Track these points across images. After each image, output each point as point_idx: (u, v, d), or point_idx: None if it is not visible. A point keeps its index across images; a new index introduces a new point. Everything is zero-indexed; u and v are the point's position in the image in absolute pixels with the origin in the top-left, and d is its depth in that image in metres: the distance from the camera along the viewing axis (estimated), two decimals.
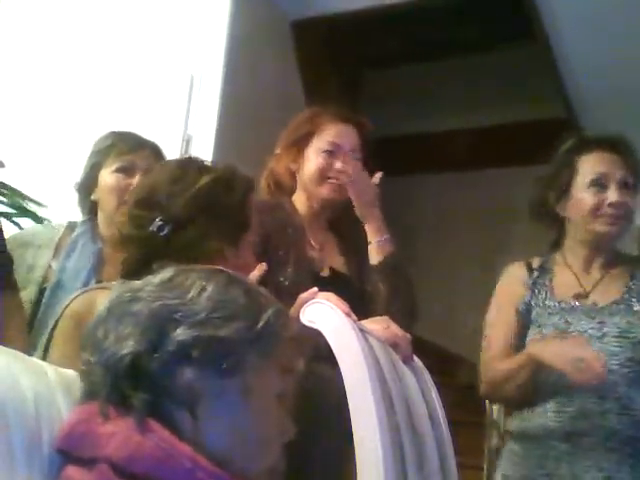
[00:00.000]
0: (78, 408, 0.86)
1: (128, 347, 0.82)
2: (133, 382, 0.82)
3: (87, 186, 1.90)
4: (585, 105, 3.31)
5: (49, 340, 1.29)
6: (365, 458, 1.08)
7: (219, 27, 2.76)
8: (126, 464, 0.79)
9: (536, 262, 1.86)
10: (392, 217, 1.85)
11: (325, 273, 1.82)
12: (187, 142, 2.48)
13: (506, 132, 4.29)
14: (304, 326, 1.26)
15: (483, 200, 4.19)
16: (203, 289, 0.86)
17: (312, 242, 1.86)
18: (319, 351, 1.31)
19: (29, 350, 1.31)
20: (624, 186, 1.75)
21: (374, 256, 1.80)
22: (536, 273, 1.84)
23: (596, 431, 1.62)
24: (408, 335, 1.40)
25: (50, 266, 1.82)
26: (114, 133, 1.96)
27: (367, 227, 1.82)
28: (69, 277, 1.80)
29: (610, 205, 1.72)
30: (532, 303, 1.79)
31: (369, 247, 1.81)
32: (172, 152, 2.44)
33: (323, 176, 1.87)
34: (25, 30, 2.95)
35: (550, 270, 1.83)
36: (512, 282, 1.85)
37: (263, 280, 1.41)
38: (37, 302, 1.76)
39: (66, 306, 1.31)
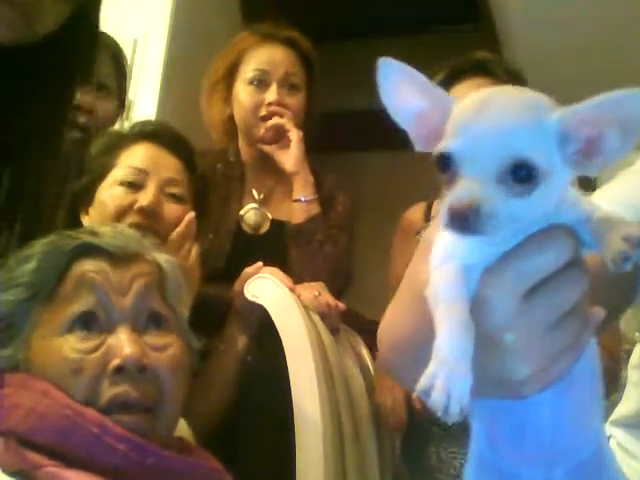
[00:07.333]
0: None
1: None
2: None
3: None
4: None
5: None
6: (306, 433, 1.09)
7: None
8: (31, 435, 0.79)
9: (437, 202, 1.90)
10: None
11: (264, 228, 1.62)
12: (128, 107, 2.41)
13: None
14: (248, 301, 1.27)
15: (425, 178, 4.26)
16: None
17: (254, 192, 1.65)
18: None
19: None
20: None
21: (296, 215, 1.54)
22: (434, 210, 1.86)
23: None
24: (341, 305, 1.36)
25: None
26: None
27: (295, 181, 1.56)
28: None
29: None
30: None
31: (294, 205, 1.55)
32: None
33: (255, 115, 1.59)
34: None
35: None
36: (411, 219, 1.88)
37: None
38: None
39: None
